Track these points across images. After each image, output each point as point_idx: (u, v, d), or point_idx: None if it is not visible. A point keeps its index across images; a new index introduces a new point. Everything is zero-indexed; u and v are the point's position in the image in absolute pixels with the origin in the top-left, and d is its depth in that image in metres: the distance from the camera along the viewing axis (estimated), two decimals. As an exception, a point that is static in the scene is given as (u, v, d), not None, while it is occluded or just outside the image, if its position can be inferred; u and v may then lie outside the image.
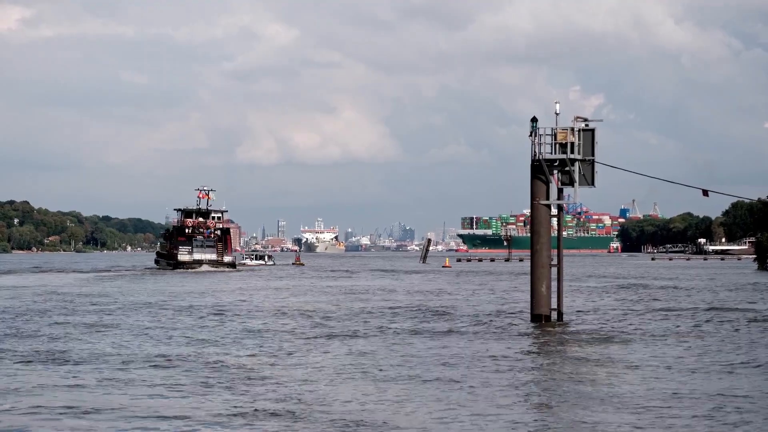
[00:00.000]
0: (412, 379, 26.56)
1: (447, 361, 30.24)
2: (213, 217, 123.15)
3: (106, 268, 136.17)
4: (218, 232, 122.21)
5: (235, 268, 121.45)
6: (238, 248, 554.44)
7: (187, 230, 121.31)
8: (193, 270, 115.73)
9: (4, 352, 32.33)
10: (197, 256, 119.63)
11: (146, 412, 21.91)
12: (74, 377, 26.91)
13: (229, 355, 31.74)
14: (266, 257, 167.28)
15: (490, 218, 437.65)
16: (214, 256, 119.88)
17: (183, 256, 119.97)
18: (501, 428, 20.33)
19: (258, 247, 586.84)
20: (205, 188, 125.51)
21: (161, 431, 20.03)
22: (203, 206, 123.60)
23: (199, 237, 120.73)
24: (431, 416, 21.34)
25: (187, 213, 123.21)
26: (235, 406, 22.51)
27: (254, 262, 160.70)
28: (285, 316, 47.52)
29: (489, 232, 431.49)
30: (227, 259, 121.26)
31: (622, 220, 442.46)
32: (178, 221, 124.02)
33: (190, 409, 22.18)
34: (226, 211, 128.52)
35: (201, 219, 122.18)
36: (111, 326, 42.07)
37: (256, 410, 22.00)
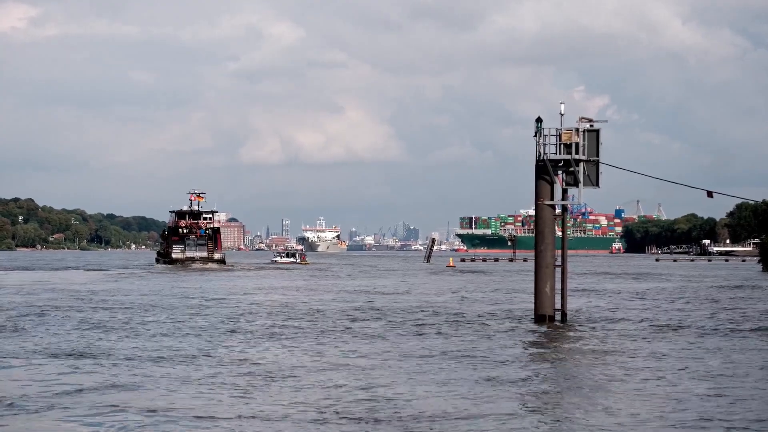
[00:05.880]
0: (414, 378, 26.58)
1: (448, 361, 30.26)
2: (204, 218, 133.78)
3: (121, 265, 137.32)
4: (209, 232, 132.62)
5: (224, 264, 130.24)
6: (242, 246, 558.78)
7: (180, 230, 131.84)
8: (185, 267, 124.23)
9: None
10: (189, 253, 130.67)
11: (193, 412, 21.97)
12: (111, 375, 27.01)
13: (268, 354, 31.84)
14: (297, 255, 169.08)
15: (489, 218, 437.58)
16: (204, 254, 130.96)
17: (176, 254, 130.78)
18: (504, 427, 20.36)
19: (262, 246, 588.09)
20: (196, 191, 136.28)
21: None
22: (195, 208, 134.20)
23: (192, 236, 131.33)
24: (434, 416, 21.36)
25: (180, 214, 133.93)
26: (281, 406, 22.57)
27: (285, 260, 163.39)
28: (285, 315, 47.54)
29: (488, 231, 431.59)
30: (217, 256, 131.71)
31: (617, 220, 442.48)
32: (172, 222, 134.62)
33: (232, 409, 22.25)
34: (217, 212, 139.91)
35: (193, 220, 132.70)
36: (145, 324, 42.18)
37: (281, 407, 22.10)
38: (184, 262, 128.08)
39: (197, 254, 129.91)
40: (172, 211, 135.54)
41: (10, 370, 27.80)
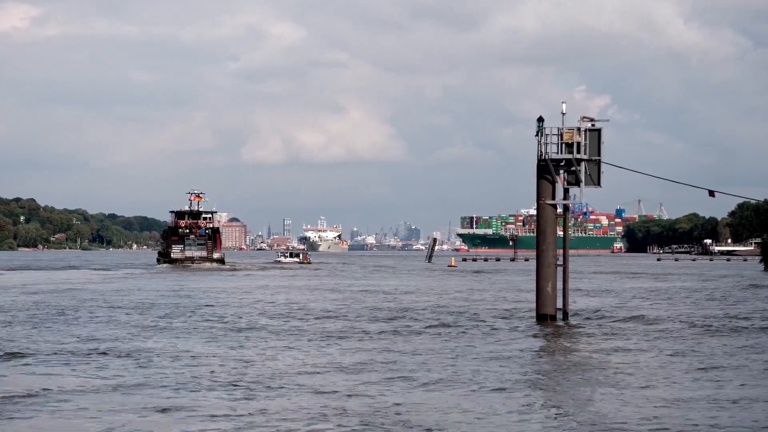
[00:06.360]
0: (418, 377, 26.62)
1: (451, 360, 30.30)
2: (204, 218, 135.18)
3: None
4: (209, 232, 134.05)
5: (223, 263, 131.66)
6: (243, 246, 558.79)
7: (180, 230, 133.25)
8: (184, 266, 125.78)
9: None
10: (188, 253, 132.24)
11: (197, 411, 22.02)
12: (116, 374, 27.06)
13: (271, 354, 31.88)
14: (301, 255, 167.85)
15: (490, 218, 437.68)
16: (204, 253, 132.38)
17: (176, 254, 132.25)
18: (507, 426, 20.39)
19: (263, 245, 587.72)
20: (195, 191, 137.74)
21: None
22: (194, 208, 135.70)
23: (192, 236, 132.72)
24: (438, 414, 21.40)
25: (179, 215, 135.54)
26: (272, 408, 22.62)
27: (289, 259, 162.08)
28: (290, 315, 47.58)
29: (489, 231, 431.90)
30: (216, 255, 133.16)
31: (618, 220, 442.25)
32: (172, 222, 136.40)
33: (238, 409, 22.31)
34: (216, 212, 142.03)
35: (192, 220, 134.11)
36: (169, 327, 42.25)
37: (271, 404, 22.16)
38: (184, 262, 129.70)
39: (196, 254, 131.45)
40: (172, 211, 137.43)
41: (19, 368, 27.86)
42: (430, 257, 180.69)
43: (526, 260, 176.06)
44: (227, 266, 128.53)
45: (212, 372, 27.44)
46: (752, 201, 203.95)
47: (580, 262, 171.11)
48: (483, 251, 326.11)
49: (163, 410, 21.78)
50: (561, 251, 41.46)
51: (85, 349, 32.64)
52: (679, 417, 21.25)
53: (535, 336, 37.79)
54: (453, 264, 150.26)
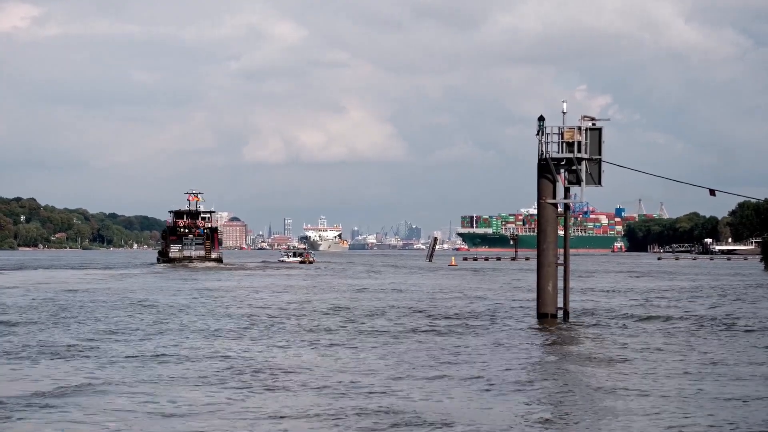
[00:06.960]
0: (420, 375, 26.66)
1: (451, 358, 30.33)
2: (202, 218, 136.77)
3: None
4: (207, 231, 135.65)
5: (221, 262, 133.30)
6: (244, 246, 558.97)
7: (178, 230, 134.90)
8: (183, 266, 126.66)
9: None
10: (186, 252, 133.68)
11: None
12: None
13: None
14: (303, 254, 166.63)
15: (491, 217, 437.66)
16: (202, 253, 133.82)
17: (174, 253, 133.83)
18: (507, 424, 20.42)
19: (264, 245, 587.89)
20: (193, 191, 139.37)
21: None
22: (193, 208, 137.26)
23: (190, 236, 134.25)
24: (438, 412, 21.43)
25: (178, 214, 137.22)
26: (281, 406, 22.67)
27: (292, 259, 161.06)
28: (293, 314, 47.66)
29: (489, 230, 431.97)
30: (214, 254, 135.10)
31: (618, 219, 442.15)
32: (171, 222, 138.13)
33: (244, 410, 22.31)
34: (215, 212, 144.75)
35: (191, 220, 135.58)
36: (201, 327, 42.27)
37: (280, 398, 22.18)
38: (182, 261, 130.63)
39: (194, 253, 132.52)
40: (171, 211, 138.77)
41: (21, 369, 27.88)
42: (430, 256, 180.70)
43: (527, 259, 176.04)
44: (226, 265, 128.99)
45: (219, 372, 27.46)
46: (753, 200, 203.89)
47: (580, 261, 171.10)
48: (483, 250, 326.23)
49: (170, 410, 21.79)
50: (561, 250, 41.51)
51: (85, 348, 32.67)
52: (679, 415, 21.26)
53: (535, 335, 37.81)
54: (453, 263, 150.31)
